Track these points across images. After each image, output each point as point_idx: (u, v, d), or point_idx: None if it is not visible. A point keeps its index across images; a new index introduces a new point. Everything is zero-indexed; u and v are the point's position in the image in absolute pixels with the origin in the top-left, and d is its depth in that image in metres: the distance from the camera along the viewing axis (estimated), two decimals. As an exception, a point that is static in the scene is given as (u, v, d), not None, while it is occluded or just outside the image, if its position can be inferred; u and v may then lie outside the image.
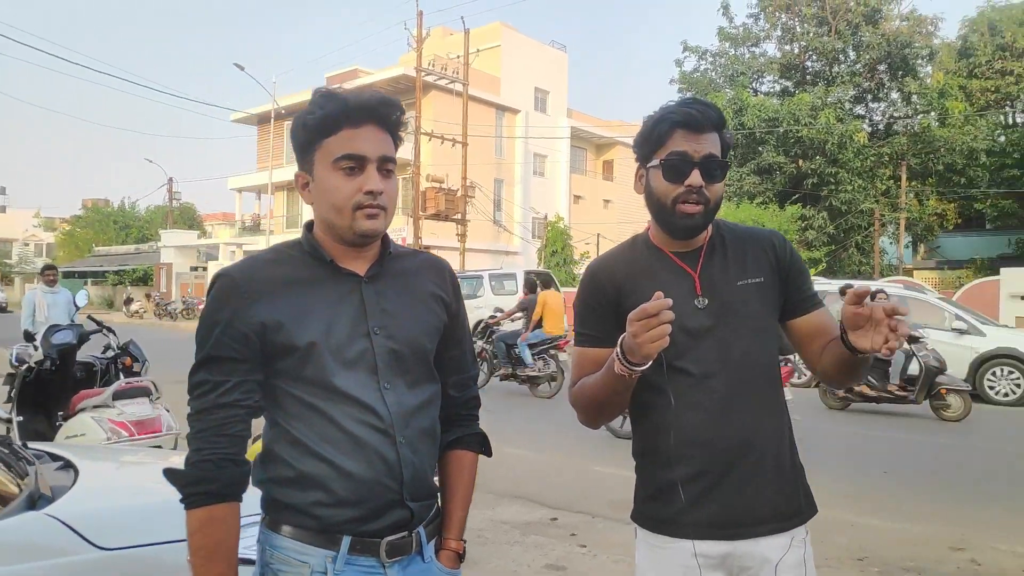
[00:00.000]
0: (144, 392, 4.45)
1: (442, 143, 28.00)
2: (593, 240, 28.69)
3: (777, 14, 23.79)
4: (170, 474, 1.32)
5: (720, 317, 1.53)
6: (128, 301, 32.38)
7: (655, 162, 1.53)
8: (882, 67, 22.65)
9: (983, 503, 5.42)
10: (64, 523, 1.61)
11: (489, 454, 1.60)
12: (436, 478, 1.53)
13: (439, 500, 1.53)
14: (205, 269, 36.06)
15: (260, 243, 33.84)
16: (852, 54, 23.07)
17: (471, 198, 28.88)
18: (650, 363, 1.38)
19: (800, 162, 20.48)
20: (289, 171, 35.74)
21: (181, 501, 1.30)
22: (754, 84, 23.93)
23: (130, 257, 42.53)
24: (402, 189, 33.85)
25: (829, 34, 22.62)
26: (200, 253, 38.64)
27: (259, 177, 36.79)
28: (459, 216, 28.25)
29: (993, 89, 26.62)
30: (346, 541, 1.33)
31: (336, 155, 1.33)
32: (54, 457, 2.15)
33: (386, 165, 1.36)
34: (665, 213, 1.53)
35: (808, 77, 23.68)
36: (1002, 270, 16.01)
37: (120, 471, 2.25)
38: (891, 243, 25.47)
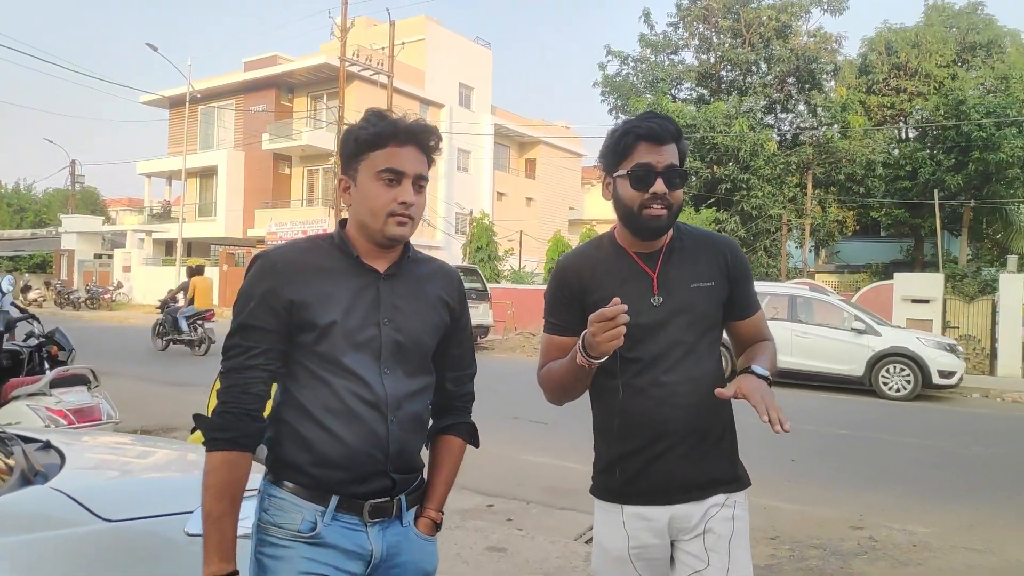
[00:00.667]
0: (82, 380, 4.34)
1: (365, 135, 27.57)
2: (516, 237, 29.02)
3: (695, 24, 24.69)
4: (198, 419, 1.48)
5: (672, 314, 1.70)
6: (26, 289, 30.46)
7: (622, 172, 1.69)
8: (791, 80, 23.89)
9: (879, 488, 5.95)
10: (69, 496, 1.68)
11: (477, 445, 1.77)
12: (425, 457, 1.69)
13: (424, 476, 1.69)
14: (111, 256, 34.33)
15: (171, 231, 32.53)
16: (764, 66, 24.23)
17: (393, 191, 28.64)
18: (607, 357, 1.58)
19: (715, 168, 21.37)
20: (204, 156, 34.47)
21: (204, 443, 1.49)
22: (673, 91, 24.77)
23: (26, 242, 40.01)
24: (326, 181, 33.25)
25: (743, 46, 23.67)
26: (105, 240, 36.74)
27: (170, 162, 35.27)
28: (381, 209, 27.95)
29: (889, 105, 28.45)
30: (334, 500, 1.50)
31: (380, 167, 1.52)
32: (27, 439, 2.18)
33: (420, 182, 1.56)
34: (633, 217, 1.70)
35: (723, 86, 24.71)
36: (896, 275, 17.22)
37: (101, 452, 2.28)
38: (796, 247, 26.91)
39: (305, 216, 31.16)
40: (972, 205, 26.19)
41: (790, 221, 23.70)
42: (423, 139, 1.57)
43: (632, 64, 24.93)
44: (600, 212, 41.06)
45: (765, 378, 1.65)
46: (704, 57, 24.79)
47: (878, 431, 8.62)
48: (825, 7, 23.81)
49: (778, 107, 24.03)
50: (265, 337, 1.51)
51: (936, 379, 11.38)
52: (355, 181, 1.57)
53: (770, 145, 21.97)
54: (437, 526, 1.67)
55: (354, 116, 27.75)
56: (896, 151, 26.66)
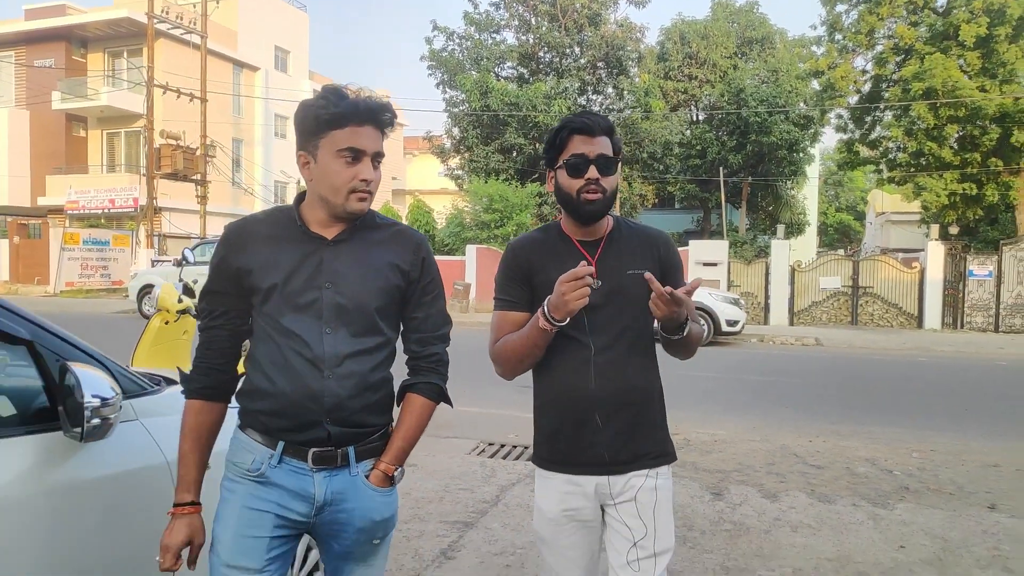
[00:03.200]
0: None
1: (178, 97, 25.96)
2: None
3: (515, 5, 26.00)
4: (180, 374, 1.81)
5: (609, 297, 1.82)
6: None
7: (560, 163, 1.85)
8: (601, 65, 26.00)
9: (688, 407, 7.55)
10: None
11: (450, 403, 1.85)
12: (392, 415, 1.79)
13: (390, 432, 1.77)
14: None
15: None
16: (577, 50, 26.14)
17: (212, 158, 27.36)
18: (568, 320, 1.71)
19: (537, 144, 22.94)
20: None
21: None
22: (496, 69, 25.99)
23: None
24: (135, 145, 30.87)
25: (559, 30, 25.38)
26: None
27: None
28: (199, 177, 26.66)
29: (683, 90, 31.77)
30: (281, 444, 1.67)
31: (341, 146, 1.61)
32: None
33: (378, 158, 1.67)
34: (572, 203, 1.84)
35: (541, 67, 26.34)
36: (690, 242, 19.87)
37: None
38: (607, 218, 29.48)
39: (111, 183, 28.85)
40: (749, 181, 30.21)
41: (603, 194, 26.02)
42: (380, 117, 1.64)
43: (458, 40, 25.78)
44: (422, 182, 41.63)
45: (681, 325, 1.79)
46: (524, 38, 26.21)
47: (684, 368, 10.44)
48: (631, -1, 26.08)
49: (590, 89, 26.06)
50: (223, 300, 1.70)
51: (724, 327, 13.77)
52: (315, 158, 1.64)
53: (585, 124, 23.83)
54: (390, 479, 1.72)
55: (163, 76, 26.07)
56: (689, 132, 29.95)
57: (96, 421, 1.73)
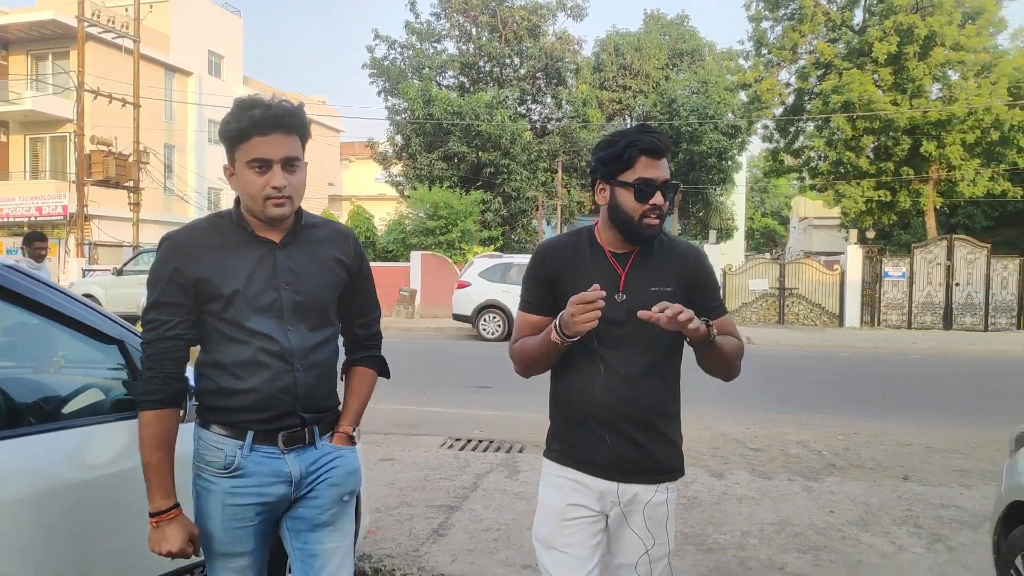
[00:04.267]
0: None
1: (110, 102, 25.32)
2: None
3: (455, 16, 26.44)
4: (129, 385, 1.92)
5: (631, 312, 1.76)
6: None
7: (625, 182, 1.78)
8: (540, 75, 26.69)
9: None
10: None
11: (388, 375, 1.99)
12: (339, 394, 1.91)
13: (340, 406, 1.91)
14: None
15: None
16: (517, 61, 26.76)
17: (145, 164, 26.74)
18: (579, 337, 1.72)
19: (480, 153, 23.43)
20: None
21: (136, 404, 1.73)
22: (438, 78, 26.36)
23: None
24: (61, 151, 29.88)
25: (499, 41, 25.94)
26: None
27: None
28: (132, 183, 26.01)
29: (617, 100, 32.85)
30: (250, 434, 1.74)
31: (249, 158, 1.67)
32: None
33: (292, 163, 1.70)
34: (632, 226, 1.80)
35: (482, 76, 26.85)
36: (628, 247, 20.67)
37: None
38: (547, 224, 30.21)
39: (37, 190, 27.96)
40: (681, 188, 31.40)
41: (545, 202, 26.74)
42: (287, 122, 1.67)
43: (399, 49, 26.04)
44: (360, 188, 41.39)
45: (709, 329, 1.76)
46: (464, 48, 26.68)
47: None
48: (569, 12, 26.86)
49: (529, 99, 26.71)
50: (177, 311, 1.70)
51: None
52: (235, 170, 1.71)
53: (526, 134, 24.57)
54: (351, 438, 1.88)
55: (93, 81, 25.35)
56: (624, 141, 30.89)
57: (194, 402, 2.05)
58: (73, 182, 25.73)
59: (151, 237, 25.15)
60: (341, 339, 1.98)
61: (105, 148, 25.54)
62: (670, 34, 35.01)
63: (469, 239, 20.96)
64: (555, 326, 1.73)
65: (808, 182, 26.27)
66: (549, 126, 27.87)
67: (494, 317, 14.37)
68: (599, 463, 1.85)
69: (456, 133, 23.15)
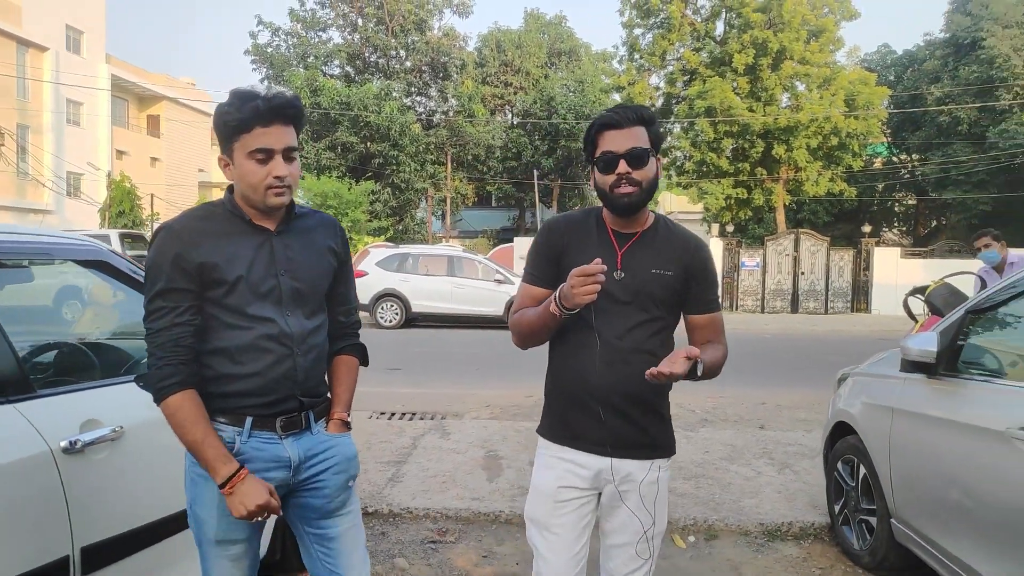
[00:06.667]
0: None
1: (-44, 78, 23.40)
2: (146, 199, 27.20)
3: (341, 5, 26.42)
4: (141, 379, 1.87)
5: (629, 291, 1.82)
6: None
7: (595, 160, 1.84)
8: (427, 69, 27.20)
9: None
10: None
11: (367, 364, 2.02)
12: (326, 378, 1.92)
13: (329, 393, 1.92)
14: None
15: None
16: (403, 53, 27.12)
17: (0, 146, 24.95)
18: (577, 311, 1.74)
19: (369, 144, 23.68)
20: None
21: (155, 398, 1.69)
22: (323, 67, 26.27)
23: None
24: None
25: (386, 33, 26.21)
26: None
27: None
28: (-17, 166, 24.19)
29: (499, 96, 33.86)
30: (249, 420, 1.74)
31: (251, 148, 1.67)
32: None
33: (290, 153, 1.71)
34: (607, 197, 1.84)
35: (369, 67, 27.01)
36: (515, 239, 21.78)
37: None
38: (434, 216, 30.82)
39: None
40: (559, 183, 32.94)
41: (433, 194, 27.35)
42: (286, 113, 1.69)
43: (284, 36, 25.73)
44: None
45: (694, 369, 1.72)
46: (350, 38, 26.71)
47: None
48: (455, 9, 27.49)
49: (415, 91, 27.16)
50: (185, 296, 1.70)
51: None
52: (232, 160, 1.71)
53: (415, 127, 25.03)
54: (346, 425, 1.90)
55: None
56: (505, 136, 32.04)
57: None
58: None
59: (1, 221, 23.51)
60: None
61: (-47, 127, 23.63)
62: (549, 33, 36.36)
63: (359, 229, 21.27)
64: (554, 298, 1.76)
65: (675, 180, 28.32)
66: (435, 119, 28.43)
67: (391, 305, 14.87)
68: (591, 438, 1.87)
69: (344, 123, 23.29)
